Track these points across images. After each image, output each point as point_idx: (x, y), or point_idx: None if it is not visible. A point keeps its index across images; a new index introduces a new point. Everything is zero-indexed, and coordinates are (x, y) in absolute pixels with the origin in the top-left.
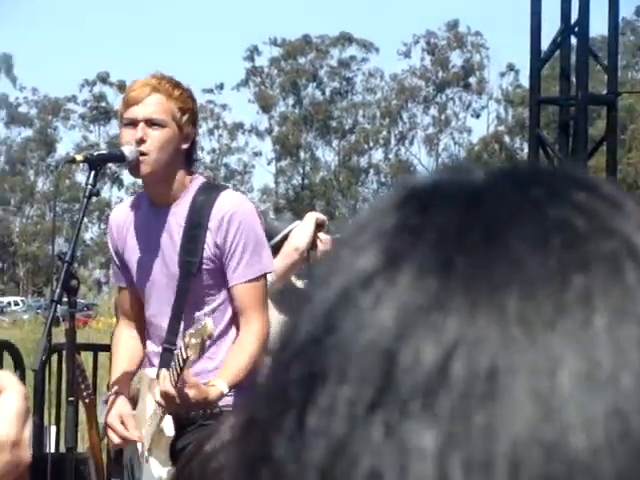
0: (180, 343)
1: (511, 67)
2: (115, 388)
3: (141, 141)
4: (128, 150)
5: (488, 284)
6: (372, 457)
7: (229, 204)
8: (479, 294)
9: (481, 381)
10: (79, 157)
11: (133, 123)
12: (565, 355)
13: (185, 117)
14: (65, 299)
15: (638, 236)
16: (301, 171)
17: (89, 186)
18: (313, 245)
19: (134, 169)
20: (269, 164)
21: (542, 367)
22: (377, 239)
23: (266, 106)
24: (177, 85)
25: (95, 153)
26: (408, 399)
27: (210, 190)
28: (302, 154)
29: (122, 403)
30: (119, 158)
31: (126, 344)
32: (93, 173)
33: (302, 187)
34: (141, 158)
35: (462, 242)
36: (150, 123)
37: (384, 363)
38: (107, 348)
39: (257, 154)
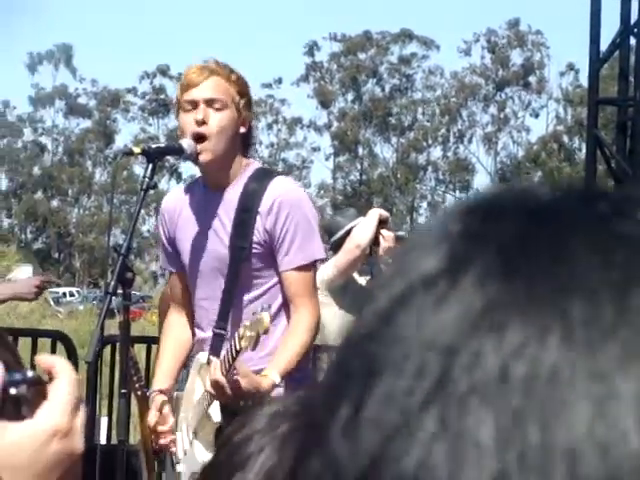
0: (234, 332)
1: (571, 67)
2: (158, 385)
3: (202, 123)
4: (187, 143)
5: (551, 289)
6: (424, 448)
7: (280, 189)
8: (542, 298)
9: (541, 383)
10: (137, 149)
11: (193, 106)
12: (623, 361)
13: (243, 101)
14: (120, 291)
15: None
16: (359, 167)
17: (146, 179)
18: (375, 241)
19: (197, 157)
20: (327, 160)
21: (601, 372)
22: (441, 243)
23: (325, 101)
24: (233, 70)
25: (153, 146)
26: (466, 396)
27: (264, 176)
28: (360, 150)
29: (160, 401)
30: (177, 151)
31: (175, 334)
32: (151, 166)
33: (360, 183)
34: (199, 146)
35: (526, 248)
36: (210, 104)
37: (443, 360)
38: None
39: (315, 149)
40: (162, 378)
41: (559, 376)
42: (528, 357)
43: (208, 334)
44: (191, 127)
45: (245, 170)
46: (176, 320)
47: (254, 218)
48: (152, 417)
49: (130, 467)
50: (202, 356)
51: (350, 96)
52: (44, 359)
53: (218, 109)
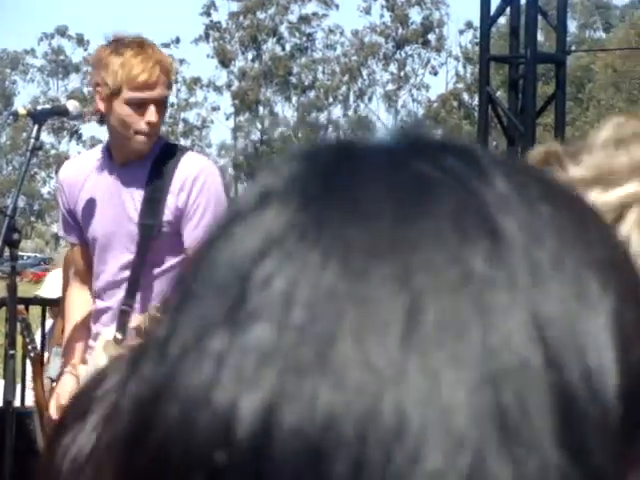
0: (142, 310)
1: (470, 25)
2: (67, 365)
3: (153, 124)
4: (72, 105)
5: (336, 224)
6: (212, 366)
7: (192, 167)
8: (328, 230)
9: (319, 304)
10: (22, 111)
11: (140, 102)
12: (393, 289)
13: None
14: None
15: (487, 191)
16: (260, 127)
17: (32, 139)
18: None
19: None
20: (228, 119)
21: (369, 297)
22: (261, 182)
23: (225, 61)
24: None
25: (38, 107)
26: (253, 315)
27: (173, 152)
28: (261, 109)
29: (68, 381)
30: (63, 112)
31: (80, 307)
32: (37, 127)
33: (261, 142)
34: (142, 138)
35: (323, 185)
36: (158, 102)
37: (240, 283)
38: (57, 302)
39: (215, 109)
40: (73, 356)
41: (335, 299)
42: (308, 283)
43: (108, 304)
44: (139, 126)
45: (154, 145)
46: (80, 294)
47: (165, 196)
48: (55, 399)
49: (24, 429)
50: (107, 332)
51: (250, 55)
52: None
53: (163, 104)
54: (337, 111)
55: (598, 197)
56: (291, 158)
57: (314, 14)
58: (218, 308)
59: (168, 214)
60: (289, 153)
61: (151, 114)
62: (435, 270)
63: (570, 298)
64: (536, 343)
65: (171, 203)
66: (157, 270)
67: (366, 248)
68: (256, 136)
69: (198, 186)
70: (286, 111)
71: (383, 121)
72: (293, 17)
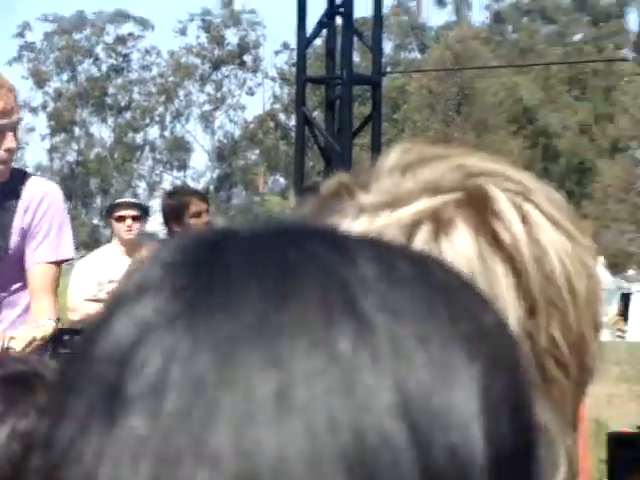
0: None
1: (286, 46)
2: None
3: (12, 150)
4: None
5: (206, 311)
6: (93, 458)
7: (37, 190)
8: (197, 318)
9: (191, 392)
10: None
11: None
12: (262, 369)
13: None
14: None
15: (349, 273)
16: (76, 147)
17: None
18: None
19: None
20: (43, 140)
21: (238, 379)
22: (140, 274)
23: (40, 82)
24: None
25: None
26: (129, 405)
27: (19, 176)
28: (77, 130)
29: None
30: None
31: None
32: None
33: (77, 163)
34: (1, 167)
35: (194, 274)
36: (14, 129)
37: (116, 372)
38: None
39: (31, 130)
40: None
41: (206, 386)
42: (181, 366)
43: None
44: None
45: None
46: None
47: (12, 218)
48: None
49: None
50: None
51: (65, 76)
52: None
53: (17, 129)
54: (154, 132)
55: (387, 217)
56: (166, 250)
57: (130, 35)
58: (96, 400)
59: (15, 236)
60: (165, 246)
61: (10, 141)
62: (303, 354)
63: (435, 374)
64: (401, 422)
65: (17, 225)
66: (2, 294)
67: (235, 335)
68: (72, 157)
69: (43, 209)
70: (102, 132)
71: (200, 142)
72: (109, 38)
